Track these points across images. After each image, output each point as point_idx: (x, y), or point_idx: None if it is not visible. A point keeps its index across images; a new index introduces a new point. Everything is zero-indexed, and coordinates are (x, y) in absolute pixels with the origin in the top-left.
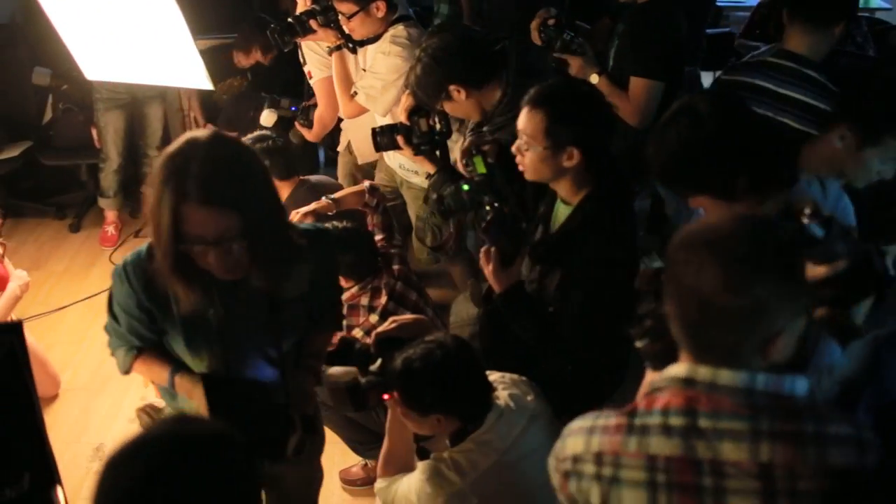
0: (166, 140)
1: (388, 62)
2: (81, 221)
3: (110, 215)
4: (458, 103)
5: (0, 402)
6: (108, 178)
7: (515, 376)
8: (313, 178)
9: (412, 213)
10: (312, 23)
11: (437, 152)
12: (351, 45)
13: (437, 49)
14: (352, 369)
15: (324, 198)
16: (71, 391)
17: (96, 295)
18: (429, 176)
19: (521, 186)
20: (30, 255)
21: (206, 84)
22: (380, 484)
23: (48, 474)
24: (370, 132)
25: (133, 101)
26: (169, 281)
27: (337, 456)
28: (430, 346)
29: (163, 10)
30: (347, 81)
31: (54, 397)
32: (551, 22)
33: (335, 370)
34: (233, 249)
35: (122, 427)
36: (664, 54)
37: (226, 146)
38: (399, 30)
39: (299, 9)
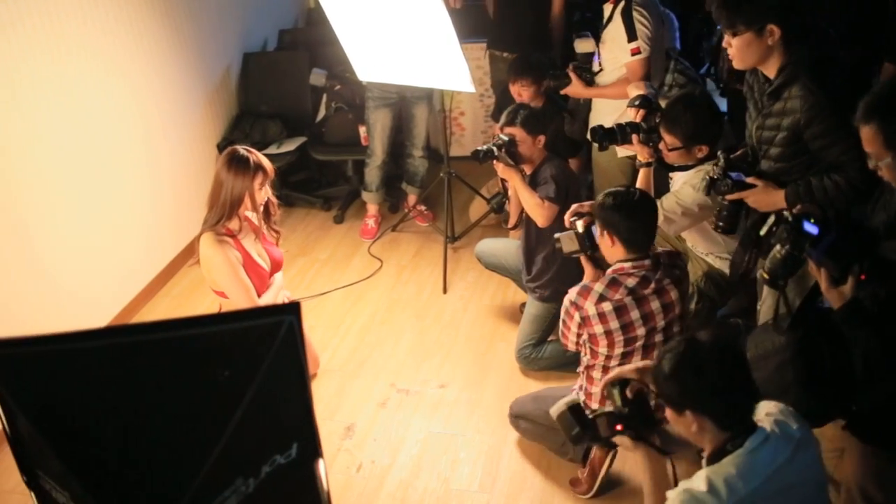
0: (428, 140)
1: (696, 197)
2: (345, 214)
3: (371, 209)
4: (761, 44)
5: (279, 376)
6: (373, 173)
7: (781, 405)
8: None
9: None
10: (634, 137)
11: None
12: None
13: None
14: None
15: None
16: (328, 372)
17: (355, 284)
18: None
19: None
20: (298, 242)
21: (469, 87)
22: None
23: (313, 447)
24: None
25: (401, 101)
26: None
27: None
28: (685, 338)
29: (433, 16)
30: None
31: (313, 376)
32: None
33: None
34: None
35: (372, 409)
36: None
37: None
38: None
39: (632, 117)
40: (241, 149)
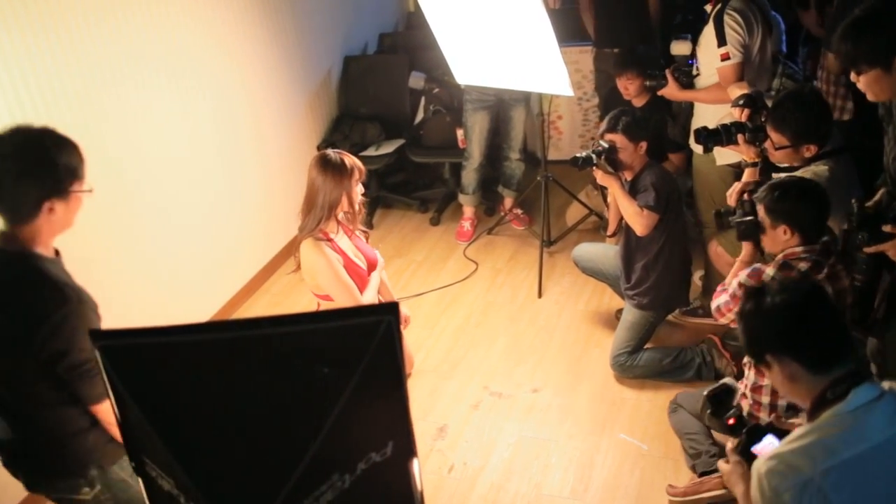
0: (525, 143)
1: None
2: (441, 216)
3: (468, 211)
4: (891, 78)
5: (376, 374)
6: (469, 175)
7: None
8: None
9: None
10: (740, 137)
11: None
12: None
13: None
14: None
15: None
16: (422, 372)
17: (450, 285)
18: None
19: None
20: (395, 243)
21: (568, 91)
22: None
23: (408, 446)
24: None
25: (499, 104)
26: None
27: (669, 471)
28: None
29: (533, 19)
30: None
31: (407, 376)
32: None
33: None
34: None
35: (464, 411)
36: None
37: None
38: (822, 169)
39: (736, 116)
40: (332, 152)
